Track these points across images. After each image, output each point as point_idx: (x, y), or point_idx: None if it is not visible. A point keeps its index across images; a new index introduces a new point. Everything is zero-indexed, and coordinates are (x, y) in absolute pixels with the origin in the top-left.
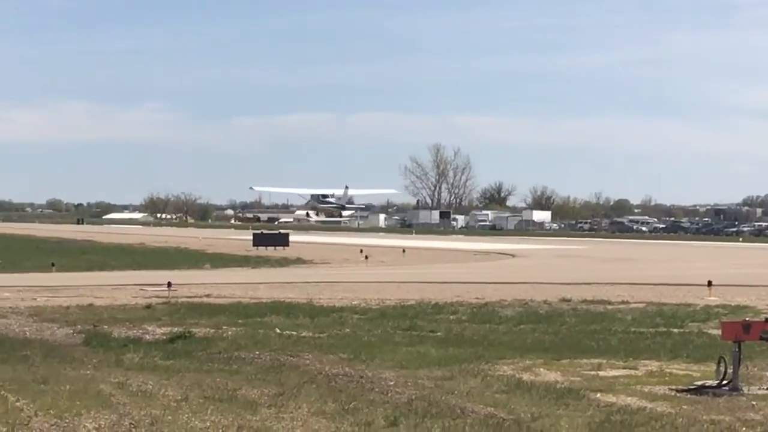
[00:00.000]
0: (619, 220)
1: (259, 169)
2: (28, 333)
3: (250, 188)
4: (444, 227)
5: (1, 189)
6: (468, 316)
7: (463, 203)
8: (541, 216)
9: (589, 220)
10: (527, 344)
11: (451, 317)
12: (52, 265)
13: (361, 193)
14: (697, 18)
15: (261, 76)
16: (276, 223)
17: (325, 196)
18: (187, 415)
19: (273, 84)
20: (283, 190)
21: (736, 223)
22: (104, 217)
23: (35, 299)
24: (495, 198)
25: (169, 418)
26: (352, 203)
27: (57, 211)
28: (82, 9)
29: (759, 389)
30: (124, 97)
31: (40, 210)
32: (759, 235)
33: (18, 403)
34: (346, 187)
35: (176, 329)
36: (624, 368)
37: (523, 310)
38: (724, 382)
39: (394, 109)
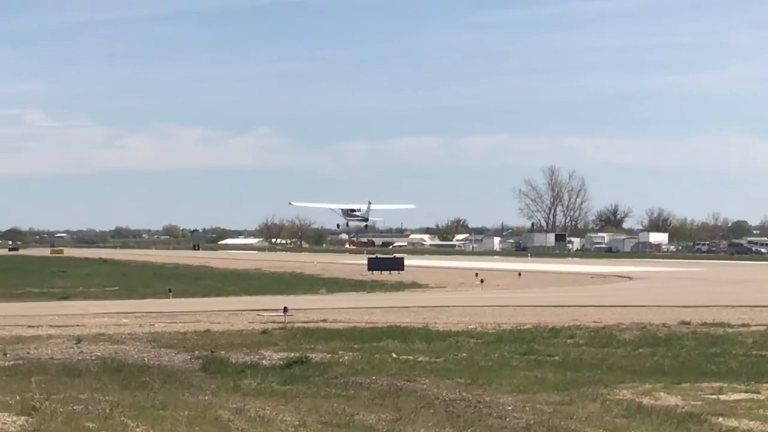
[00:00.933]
0: (737, 241)
1: (370, 194)
2: (146, 359)
3: (289, 203)
4: (559, 250)
5: (118, 216)
6: (586, 340)
7: (578, 226)
8: (658, 238)
9: (707, 242)
10: (646, 368)
11: (569, 341)
12: (170, 291)
13: (382, 208)
14: None
15: (369, 101)
16: (390, 247)
17: (352, 210)
18: None
19: (381, 108)
20: (319, 205)
21: None
22: (220, 242)
23: (153, 325)
24: (611, 220)
25: None
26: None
27: (173, 237)
28: (194, 36)
29: None
30: (236, 123)
31: (157, 236)
32: None
33: (138, 429)
34: (369, 203)
35: (293, 354)
36: (746, 392)
37: (641, 333)
38: None
39: (506, 131)
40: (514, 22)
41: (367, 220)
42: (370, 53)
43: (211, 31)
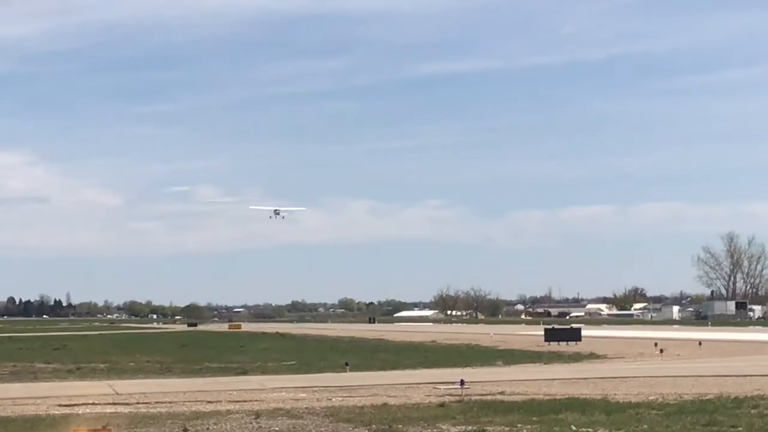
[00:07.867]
0: None
1: (544, 263)
2: None
3: (249, 207)
4: (740, 318)
5: (294, 289)
6: None
7: (759, 293)
8: None
9: None
10: None
11: (753, 411)
12: (346, 364)
13: (285, 209)
14: None
15: (543, 169)
16: (567, 317)
17: (276, 210)
18: None
19: (553, 177)
20: (265, 208)
21: None
22: (395, 315)
23: (330, 399)
24: None
25: None
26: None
27: (348, 310)
28: (362, 109)
29: None
30: (406, 194)
31: (332, 309)
32: None
33: None
34: (280, 207)
35: (470, 428)
36: None
37: None
38: None
39: (681, 198)
40: (689, 88)
41: (279, 213)
42: (542, 122)
43: (379, 105)
